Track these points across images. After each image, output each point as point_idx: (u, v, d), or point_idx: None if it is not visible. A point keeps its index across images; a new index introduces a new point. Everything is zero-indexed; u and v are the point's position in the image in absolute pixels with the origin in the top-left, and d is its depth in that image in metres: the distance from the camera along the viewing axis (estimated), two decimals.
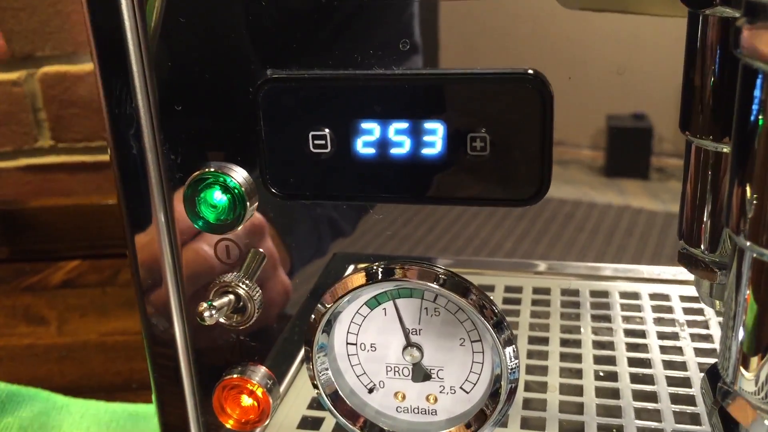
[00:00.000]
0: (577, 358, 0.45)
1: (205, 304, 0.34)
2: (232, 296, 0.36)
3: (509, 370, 0.35)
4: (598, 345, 0.47)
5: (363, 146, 0.33)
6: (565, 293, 0.48)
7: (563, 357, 0.45)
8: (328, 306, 0.36)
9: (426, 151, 0.32)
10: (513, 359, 0.35)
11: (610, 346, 0.47)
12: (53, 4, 0.96)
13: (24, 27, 0.97)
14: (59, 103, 0.98)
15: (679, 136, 0.29)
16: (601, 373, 0.44)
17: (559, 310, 0.48)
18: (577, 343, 0.46)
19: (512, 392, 0.35)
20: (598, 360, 0.46)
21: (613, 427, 0.40)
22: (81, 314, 0.88)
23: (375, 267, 0.36)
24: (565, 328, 0.47)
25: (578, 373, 0.44)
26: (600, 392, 0.43)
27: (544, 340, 0.46)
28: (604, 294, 0.48)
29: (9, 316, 0.88)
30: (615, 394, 0.43)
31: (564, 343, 0.46)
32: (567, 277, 0.47)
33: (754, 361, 0.24)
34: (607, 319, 0.47)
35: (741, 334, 0.25)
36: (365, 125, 0.32)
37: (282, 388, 0.41)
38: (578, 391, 0.43)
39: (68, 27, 0.97)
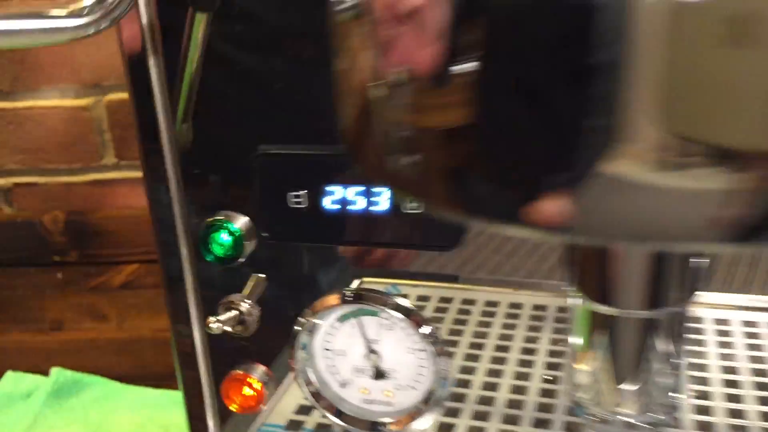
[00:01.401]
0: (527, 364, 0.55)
1: (212, 318, 0.46)
2: (236, 312, 0.47)
3: (441, 374, 0.45)
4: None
5: (330, 203, 0.44)
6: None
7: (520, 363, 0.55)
8: (308, 319, 0.47)
9: (375, 208, 0.43)
10: (443, 366, 0.45)
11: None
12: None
13: (92, 60, 1.11)
14: (122, 126, 1.12)
15: None
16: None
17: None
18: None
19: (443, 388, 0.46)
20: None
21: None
22: (137, 312, 1.02)
23: (346, 292, 0.47)
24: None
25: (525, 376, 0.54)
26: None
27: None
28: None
29: (76, 313, 1.02)
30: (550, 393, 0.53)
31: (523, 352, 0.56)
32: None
33: None
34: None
35: None
36: (330, 188, 0.43)
37: (286, 382, 0.52)
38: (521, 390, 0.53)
39: None
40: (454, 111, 0.21)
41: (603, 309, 0.32)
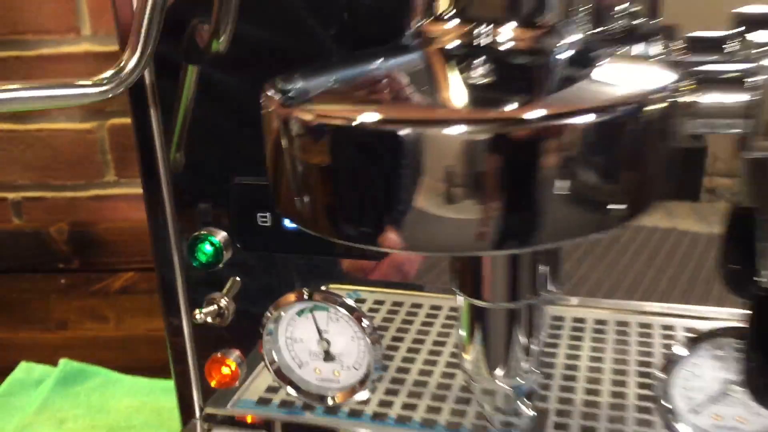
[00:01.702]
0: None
1: (197, 311, 0.58)
2: (215, 306, 0.60)
3: (374, 358, 0.58)
4: None
5: (288, 223, 0.56)
6: None
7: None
8: (273, 312, 0.59)
9: None
10: (378, 352, 0.58)
11: None
12: None
13: None
14: (122, 148, 1.24)
15: None
16: None
17: None
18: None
19: (377, 371, 0.58)
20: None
21: None
22: (133, 314, 1.14)
23: (304, 292, 0.59)
24: None
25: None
26: None
27: None
28: None
29: (79, 314, 1.14)
30: None
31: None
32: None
33: None
34: None
35: None
36: None
37: (257, 370, 0.65)
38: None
39: None
40: (321, 190, 0.35)
41: (476, 302, 0.45)
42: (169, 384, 0.86)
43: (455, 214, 0.32)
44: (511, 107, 0.32)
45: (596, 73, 0.38)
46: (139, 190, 0.60)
